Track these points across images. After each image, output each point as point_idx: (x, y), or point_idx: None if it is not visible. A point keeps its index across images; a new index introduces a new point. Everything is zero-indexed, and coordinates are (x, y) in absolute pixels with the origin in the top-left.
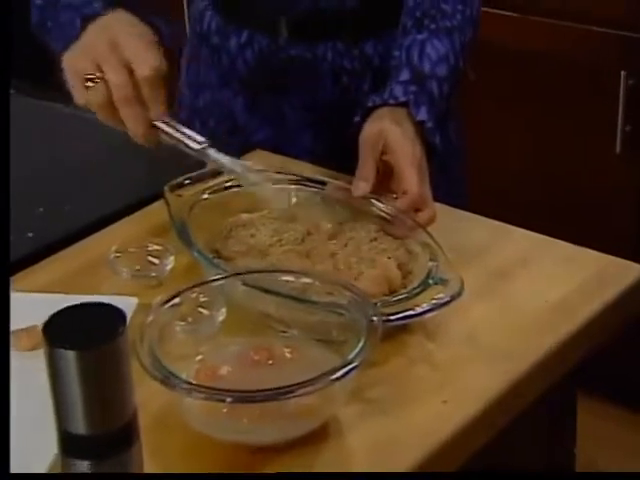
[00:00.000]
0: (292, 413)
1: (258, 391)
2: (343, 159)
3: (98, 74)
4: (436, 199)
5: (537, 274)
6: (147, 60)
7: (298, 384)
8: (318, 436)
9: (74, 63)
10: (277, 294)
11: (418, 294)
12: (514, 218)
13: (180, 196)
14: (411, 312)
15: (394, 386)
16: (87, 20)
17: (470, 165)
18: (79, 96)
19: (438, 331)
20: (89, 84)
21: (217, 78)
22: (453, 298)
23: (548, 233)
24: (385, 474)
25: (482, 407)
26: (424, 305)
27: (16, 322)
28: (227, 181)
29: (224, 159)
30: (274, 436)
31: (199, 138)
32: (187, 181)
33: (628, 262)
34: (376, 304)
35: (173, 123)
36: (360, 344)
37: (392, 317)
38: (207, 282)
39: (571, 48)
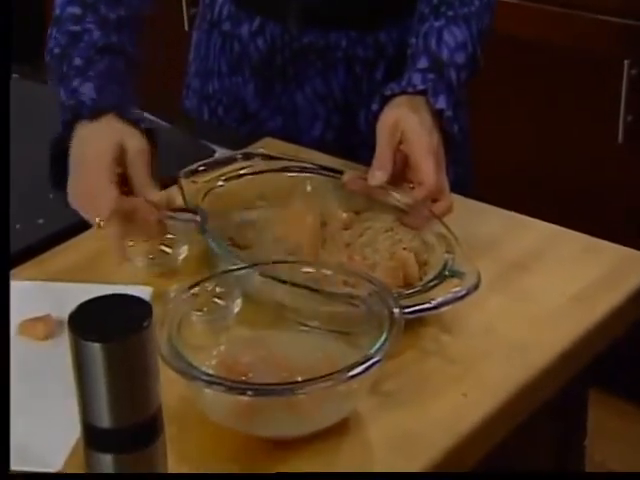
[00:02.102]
0: (313, 407)
1: (278, 384)
2: (354, 149)
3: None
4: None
5: (553, 266)
6: (106, 198)
7: (319, 378)
8: (338, 430)
9: (78, 210)
10: (293, 284)
11: (434, 287)
12: (516, 208)
13: (195, 182)
14: (427, 305)
15: (412, 379)
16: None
17: (472, 154)
18: None
19: (455, 324)
20: (99, 223)
21: (227, 65)
22: (470, 292)
23: (550, 223)
24: (390, 474)
25: (501, 400)
26: (439, 298)
27: (29, 311)
28: (241, 168)
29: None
30: (294, 430)
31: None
32: (201, 168)
33: None
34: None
35: (172, 215)
36: (382, 338)
37: (408, 310)
38: (223, 272)
39: (574, 37)
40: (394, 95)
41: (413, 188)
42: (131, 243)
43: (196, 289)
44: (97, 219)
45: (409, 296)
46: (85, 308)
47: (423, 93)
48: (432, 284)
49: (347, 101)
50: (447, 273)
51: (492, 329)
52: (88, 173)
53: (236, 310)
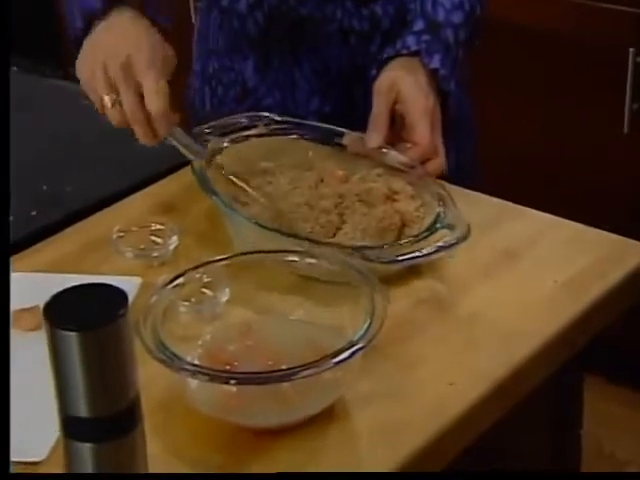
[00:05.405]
0: (298, 395)
1: (262, 373)
2: (352, 122)
3: (114, 97)
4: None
5: (546, 254)
6: (158, 96)
7: (303, 366)
8: (324, 417)
9: (90, 82)
10: (294, 236)
11: (426, 237)
12: (520, 198)
13: (203, 144)
14: (417, 254)
15: (400, 366)
16: (92, 16)
17: (477, 145)
18: (98, 108)
19: (445, 310)
20: (106, 104)
21: (227, 43)
22: (458, 241)
23: (554, 213)
24: (385, 474)
25: (488, 390)
26: (429, 248)
27: (18, 302)
28: (245, 129)
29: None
30: (279, 418)
31: (199, 150)
32: (208, 130)
33: (636, 242)
34: (383, 247)
35: (179, 134)
36: (365, 325)
37: (399, 258)
38: (211, 262)
39: (579, 25)
40: (390, 58)
41: (410, 147)
42: (121, 234)
43: (182, 279)
44: (108, 98)
45: (401, 247)
46: (61, 298)
47: (417, 54)
48: (424, 235)
49: (343, 74)
50: (438, 225)
51: (483, 316)
52: (135, 51)
53: (224, 300)
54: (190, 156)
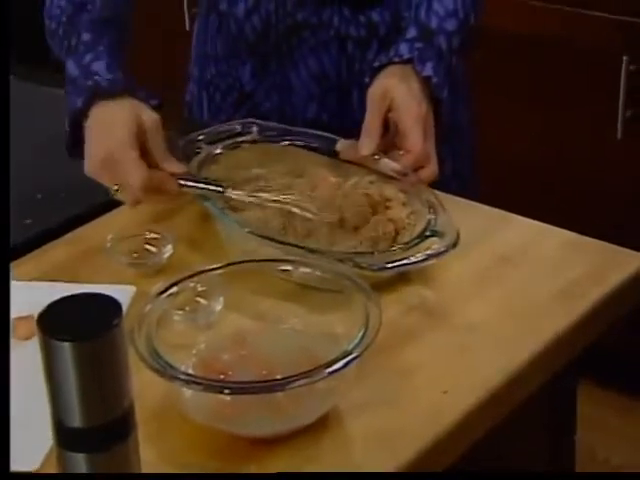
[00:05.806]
0: (292, 405)
1: (255, 382)
2: (349, 130)
3: (117, 185)
4: (441, 172)
5: (538, 262)
6: (136, 170)
7: (297, 375)
8: (318, 426)
9: (95, 176)
10: (288, 244)
11: (416, 245)
12: (514, 205)
13: (195, 151)
14: (406, 261)
15: (394, 374)
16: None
17: (474, 151)
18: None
19: (439, 318)
20: (115, 192)
21: (224, 47)
22: (448, 249)
23: (548, 220)
24: (384, 474)
25: (482, 398)
26: (419, 255)
27: (13, 310)
28: (238, 135)
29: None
30: (273, 427)
31: (217, 188)
32: (201, 137)
33: (629, 251)
34: (373, 253)
35: (191, 179)
36: (360, 334)
37: (389, 265)
38: (205, 271)
39: (573, 33)
40: (383, 66)
41: (403, 155)
42: (116, 242)
43: (177, 288)
44: (115, 186)
45: (392, 254)
46: (55, 307)
47: (410, 62)
48: (414, 243)
49: (341, 81)
50: (428, 233)
51: (476, 324)
52: (109, 142)
53: (218, 309)
54: (211, 195)
